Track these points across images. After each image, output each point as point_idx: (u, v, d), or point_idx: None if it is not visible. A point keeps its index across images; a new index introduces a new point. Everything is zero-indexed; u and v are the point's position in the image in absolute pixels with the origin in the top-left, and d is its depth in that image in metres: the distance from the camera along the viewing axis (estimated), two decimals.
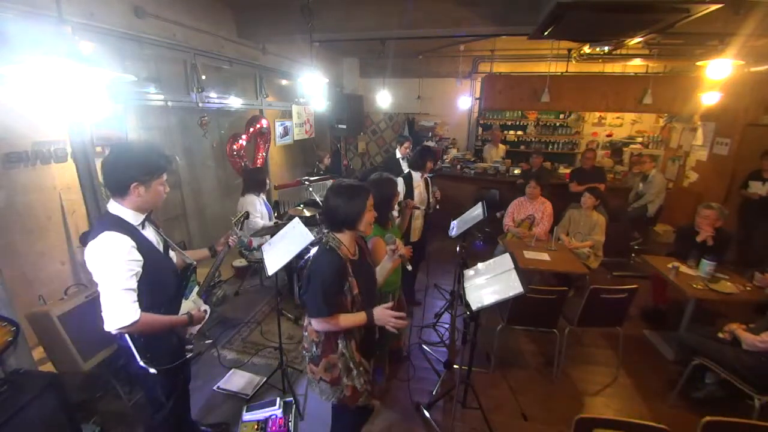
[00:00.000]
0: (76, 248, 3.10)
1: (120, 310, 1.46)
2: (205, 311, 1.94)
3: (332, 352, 1.68)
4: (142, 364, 1.62)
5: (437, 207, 3.76)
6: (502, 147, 7.00)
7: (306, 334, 1.76)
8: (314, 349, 1.71)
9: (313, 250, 3.12)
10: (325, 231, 1.73)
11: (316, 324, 1.63)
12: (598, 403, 2.75)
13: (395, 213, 2.65)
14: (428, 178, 3.66)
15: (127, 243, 1.49)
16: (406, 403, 2.69)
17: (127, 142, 1.75)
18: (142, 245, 1.56)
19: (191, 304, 1.89)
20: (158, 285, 1.65)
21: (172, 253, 1.85)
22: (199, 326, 1.91)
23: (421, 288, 4.13)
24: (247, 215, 2.47)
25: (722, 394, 2.62)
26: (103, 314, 1.48)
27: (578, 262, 3.48)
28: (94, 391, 2.59)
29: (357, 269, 1.66)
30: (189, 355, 1.84)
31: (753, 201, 4.70)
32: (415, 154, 3.70)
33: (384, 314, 1.62)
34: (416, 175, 3.53)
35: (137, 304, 1.50)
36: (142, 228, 1.62)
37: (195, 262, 1.94)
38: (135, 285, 1.51)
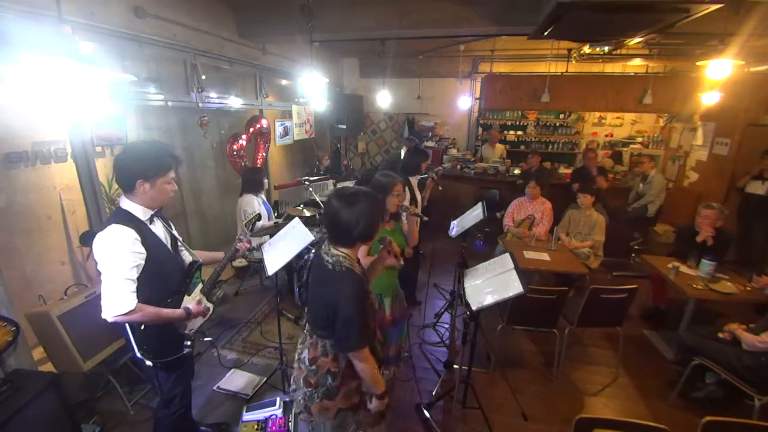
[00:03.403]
0: (76, 248, 3.10)
1: (117, 298, 1.53)
2: (208, 308, 1.96)
3: (353, 378, 1.55)
4: (139, 355, 1.70)
5: (439, 188, 3.72)
6: (499, 146, 7.00)
7: (313, 368, 1.54)
8: (329, 381, 1.52)
9: (313, 251, 3.07)
10: (328, 246, 1.52)
11: (356, 356, 1.46)
12: (598, 403, 2.75)
13: (404, 219, 2.56)
14: (419, 180, 3.57)
15: (130, 235, 1.56)
16: (406, 403, 2.69)
17: (138, 141, 1.79)
18: (147, 239, 1.63)
19: (193, 300, 1.90)
20: (161, 278, 1.71)
21: (182, 251, 1.93)
22: (201, 322, 1.94)
23: (421, 288, 4.13)
24: (258, 217, 2.48)
25: (722, 394, 2.61)
26: (101, 302, 1.55)
27: (578, 262, 3.48)
28: (94, 391, 2.59)
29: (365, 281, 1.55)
30: (187, 350, 1.85)
31: (753, 201, 4.70)
32: (408, 157, 3.55)
33: None
34: (413, 180, 3.45)
35: (135, 294, 1.56)
36: (151, 223, 1.70)
37: (201, 260, 1.98)
38: (135, 276, 1.57)
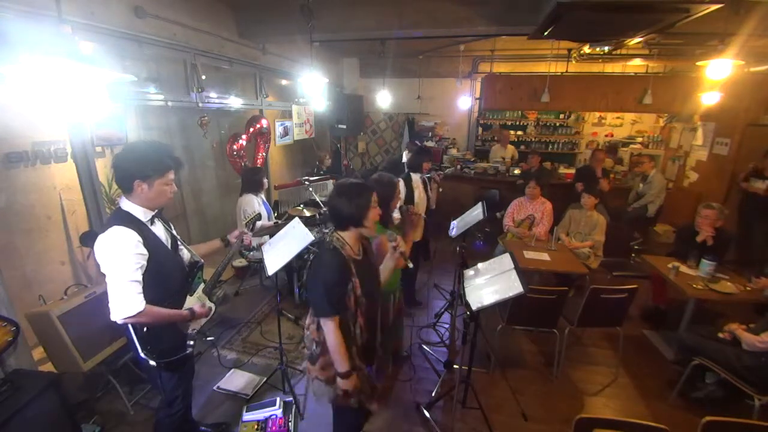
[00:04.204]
0: (76, 248, 3.10)
1: (126, 300, 1.53)
2: (210, 308, 1.96)
3: (329, 352, 1.68)
4: (143, 355, 1.70)
5: (440, 190, 3.77)
6: (510, 147, 6.97)
7: (308, 333, 1.75)
8: (314, 347, 1.71)
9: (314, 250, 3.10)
10: (329, 231, 1.71)
11: (323, 324, 1.61)
12: (598, 403, 2.75)
13: (396, 214, 2.61)
14: (426, 179, 3.66)
15: (133, 237, 1.56)
16: (406, 403, 2.69)
17: (137, 141, 1.78)
18: (149, 240, 1.63)
19: (195, 300, 1.91)
20: (163, 279, 1.71)
21: (183, 251, 1.93)
22: (203, 322, 1.95)
23: (421, 288, 4.13)
24: (259, 216, 2.50)
25: (722, 394, 2.61)
26: (109, 304, 1.55)
27: (578, 262, 3.48)
28: (94, 391, 2.60)
29: (360, 269, 1.65)
30: (189, 350, 1.86)
31: (753, 200, 4.69)
32: (412, 155, 3.71)
33: None
34: (415, 177, 3.54)
35: (142, 295, 1.57)
36: (151, 224, 1.70)
37: (203, 261, 1.99)
38: (140, 277, 1.58)
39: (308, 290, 1.66)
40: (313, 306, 1.65)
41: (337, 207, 1.63)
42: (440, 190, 3.81)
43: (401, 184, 3.29)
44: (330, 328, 1.58)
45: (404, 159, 4.68)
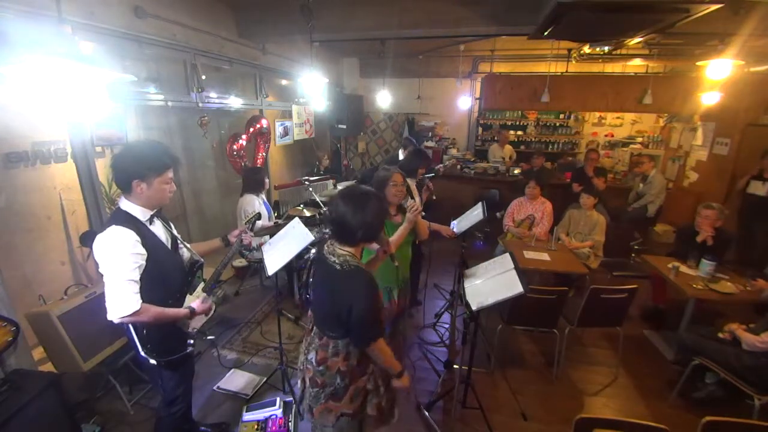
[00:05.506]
0: (76, 248, 3.10)
1: (122, 299, 1.53)
2: (211, 306, 1.96)
3: (362, 375, 1.57)
4: (143, 354, 1.70)
5: (434, 198, 3.71)
6: (509, 148, 6.97)
7: (321, 368, 1.56)
8: (338, 381, 1.54)
9: (313, 251, 3.05)
10: (332, 246, 1.54)
11: (372, 348, 1.50)
12: (598, 403, 2.75)
13: (410, 214, 2.47)
14: (420, 180, 3.59)
15: (131, 237, 1.56)
16: (406, 403, 2.69)
17: (136, 140, 1.78)
18: (148, 240, 1.63)
19: (195, 299, 1.91)
20: (162, 279, 1.71)
21: (183, 250, 1.93)
22: (203, 321, 1.94)
23: (421, 288, 4.13)
24: (258, 216, 2.50)
25: (722, 394, 2.62)
26: (106, 303, 1.55)
27: (578, 262, 3.48)
28: (94, 391, 2.60)
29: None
30: (190, 349, 1.86)
31: (753, 201, 4.69)
32: (409, 157, 3.59)
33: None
34: (410, 182, 3.46)
35: (139, 294, 1.57)
36: (150, 224, 1.69)
37: (203, 260, 1.98)
38: (138, 277, 1.58)
39: (346, 322, 1.44)
40: (360, 336, 1.48)
41: (353, 221, 1.43)
42: (434, 197, 3.73)
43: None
44: (381, 345, 1.50)
45: (401, 157, 4.63)
